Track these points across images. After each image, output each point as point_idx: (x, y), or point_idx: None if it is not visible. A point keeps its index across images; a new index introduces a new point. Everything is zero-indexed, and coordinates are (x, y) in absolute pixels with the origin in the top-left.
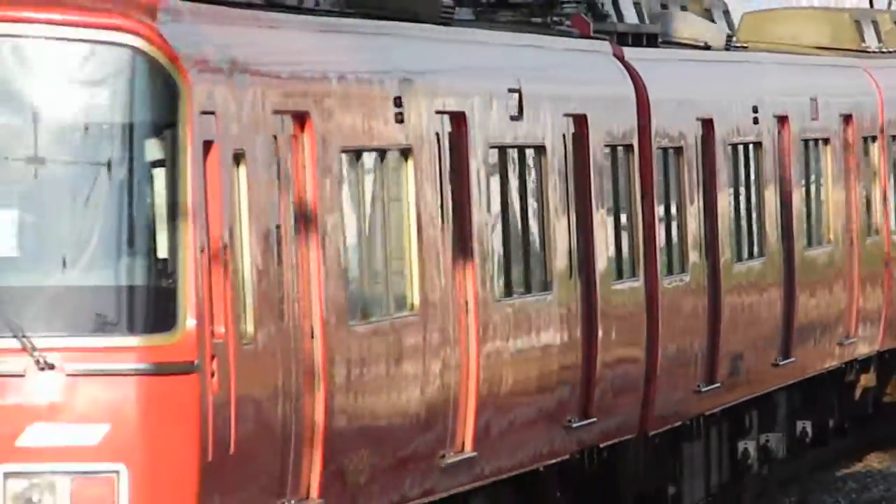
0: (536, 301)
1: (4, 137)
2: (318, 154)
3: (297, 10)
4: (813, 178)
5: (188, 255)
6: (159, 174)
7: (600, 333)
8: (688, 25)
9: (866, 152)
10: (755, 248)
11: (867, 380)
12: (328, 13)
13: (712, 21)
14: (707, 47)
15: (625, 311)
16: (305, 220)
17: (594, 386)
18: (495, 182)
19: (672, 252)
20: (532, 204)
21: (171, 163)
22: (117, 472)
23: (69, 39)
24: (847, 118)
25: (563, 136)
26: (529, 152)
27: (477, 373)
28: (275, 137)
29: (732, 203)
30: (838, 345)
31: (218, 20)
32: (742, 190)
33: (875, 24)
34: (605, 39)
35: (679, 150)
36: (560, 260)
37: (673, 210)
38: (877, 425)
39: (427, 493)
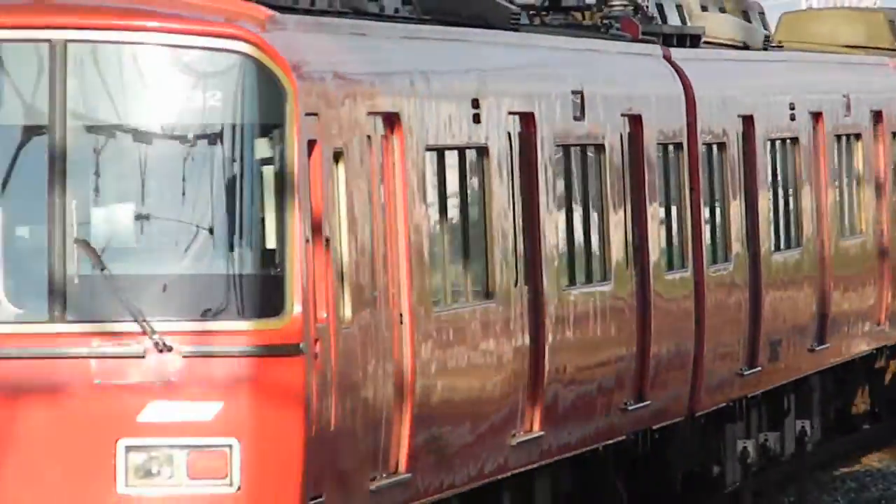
0: (597, 290)
1: (126, 137)
2: (407, 152)
3: (378, 17)
4: (845, 171)
5: (295, 246)
6: (268, 171)
7: (654, 321)
8: (727, 27)
9: None
10: (792, 239)
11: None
12: (406, 20)
13: (749, 22)
14: (746, 47)
15: (676, 301)
16: (395, 213)
17: (648, 370)
18: (560, 178)
19: (716, 243)
20: (592, 199)
21: (279, 160)
22: (230, 445)
23: (187, 47)
24: (877, 114)
25: (621, 135)
26: (590, 150)
27: (546, 357)
28: (368, 137)
29: (771, 196)
30: (869, 332)
31: (317, 29)
32: (780, 183)
33: None
34: (655, 42)
35: (722, 146)
36: (617, 252)
37: (717, 203)
38: (877, 425)
39: (499, 469)
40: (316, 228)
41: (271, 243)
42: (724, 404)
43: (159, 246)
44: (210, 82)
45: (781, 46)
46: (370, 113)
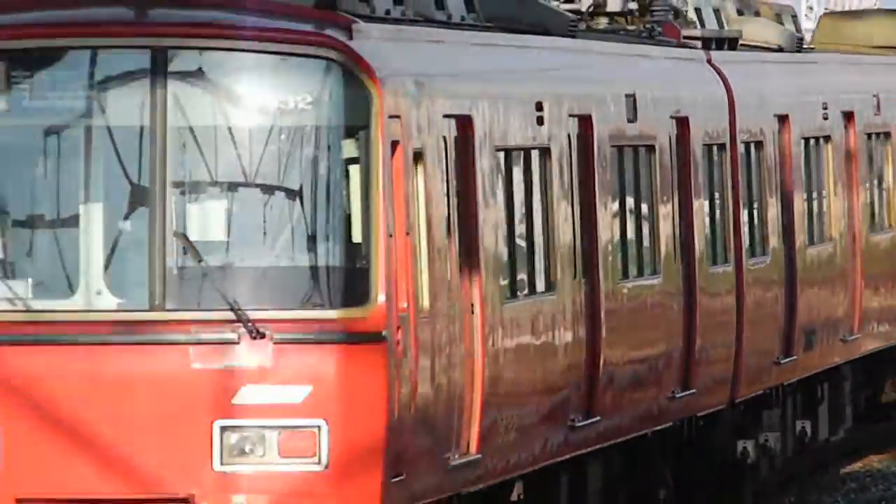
0: (647, 284)
1: (222, 137)
2: (478, 153)
3: (446, 24)
4: (875, 168)
5: (379, 240)
6: (355, 170)
7: (699, 313)
8: (762, 30)
9: None
10: (826, 234)
11: None
12: (472, 27)
13: (782, 25)
14: (780, 49)
15: (718, 293)
16: (468, 210)
17: (694, 360)
18: (614, 177)
19: (754, 238)
20: (643, 197)
21: (364, 160)
22: (318, 426)
23: (280, 54)
24: None
25: (669, 136)
26: (641, 150)
27: (602, 347)
28: (444, 138)
29: (805, 192)
30: None
31: (397, 37)
32: (814, 180)
33: None
34: (698, 47)
35: (760, 145)
36: (665, 246)
37: (755, 200)
38: (877, 425)
39: (559, 452)
40: (398, 224)
41: (357, 237)
42: (761, 391)
43: (253, 239)
44: (302, 87)
45: (813, 48)
46: (445, 115)
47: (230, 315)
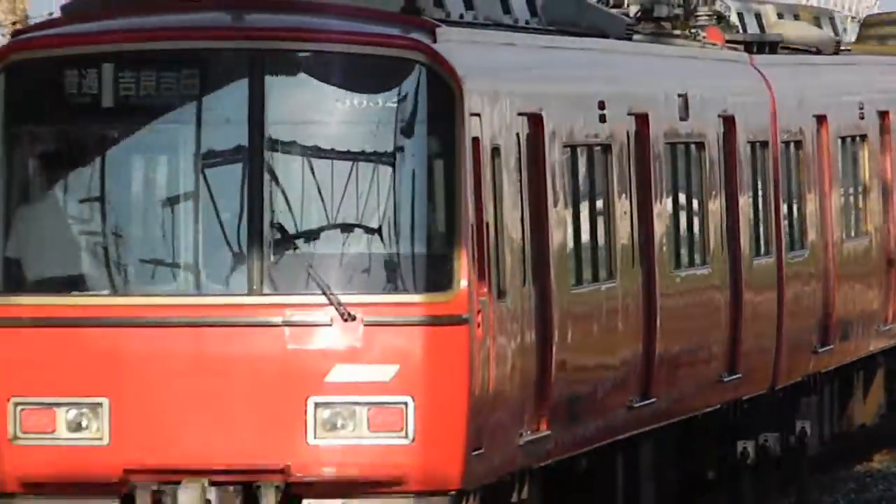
0: (698, 274)
1: (316, 133)
2: (548, 149)
3: (512, 28)
4: None
5: (463, 230)
6: (439, 164)
7: (744, 302)
8: (801, 33)
9: None
10: (861, 228)
11: None
12: (536, 31)
13: (820, 28)
14: (818, 52)
15: (762, 284)
16: (539, 202)
17: (740, 346)
18: (667, 172)
19: (794, 232)
20: (694, 191)
21: (448, 155)
22: (405, 403)
23: (370, 56)
24: None
25: (717, 134)
26: (692, 147)
27: (658, 332)
28: (518, 135)
29: (842, 188)
30: None
31: (474, 40)
32: (850, 177)
33: None
34: (741, 49)
35: (798, 144)
36: (713, 238)
37: (794, 195)
38: (876, 425)
39: (619, 430)
40: (479, 215)
41: (441, 227)
42: (800, 378)
43: (344, 229)
44: (390, 86)
45: (850, 50)
46: (519, 114)
47: (323, 299)
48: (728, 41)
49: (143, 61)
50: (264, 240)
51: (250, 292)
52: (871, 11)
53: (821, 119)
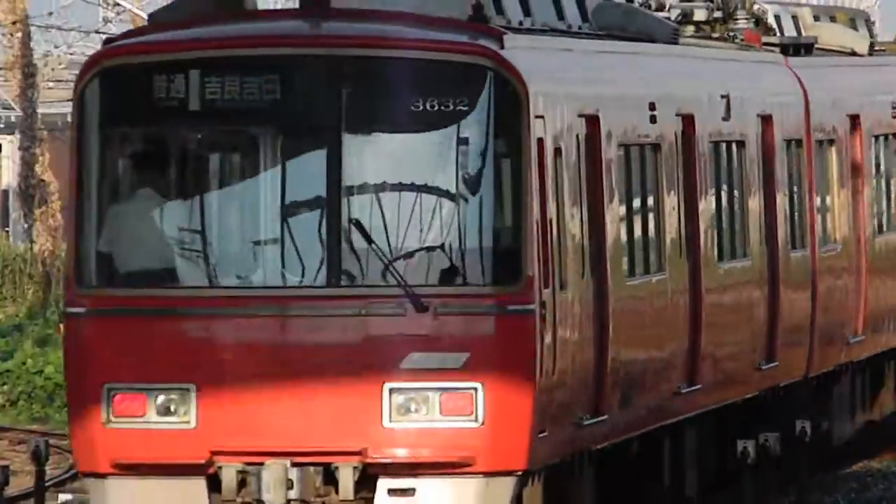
0: (739, 266)
1: (392, 135)
2: (605, 148)
3: (565, 33)
4: None
5: (529, 226)
6: (506, 164)
7: (782, 293)
8: (837, 35)
9: None
10: (892, 223)
11: None
12: (588, 35)
13: (856, 30)
14: (853, 53)
15: (797, 275)
16: (596, 199)
17: (777, 334)
18: (711, 170)
19: (826, 227)
20: (735, 187)
21: (515, 155)
22: (475, 388)
23: (443, 62)
24: None
25: (756, 133)
26: (734, 146)
27: (703, 321)
28: (577, 136)
29: (875, 185)
30: None
31: (537, 46)
32: (883, 173)
33: None
34: (777, 51)
35: (832, 142)
36: (753, 233)
37: (828, 191)
38: (876, 425)
39: (667, 415)
40: (543, 211)
41: (509, 223)
42: (832, 367)
43: (416, 224)
44: (461, 90)
45: (884, 51)
46: (579, 115)
47: (398, 291)
48: (765, 43)
49: (228, 67)
50: (342, 235)
51: (329, 285)
52: (872, 11)
53: (854, 118)
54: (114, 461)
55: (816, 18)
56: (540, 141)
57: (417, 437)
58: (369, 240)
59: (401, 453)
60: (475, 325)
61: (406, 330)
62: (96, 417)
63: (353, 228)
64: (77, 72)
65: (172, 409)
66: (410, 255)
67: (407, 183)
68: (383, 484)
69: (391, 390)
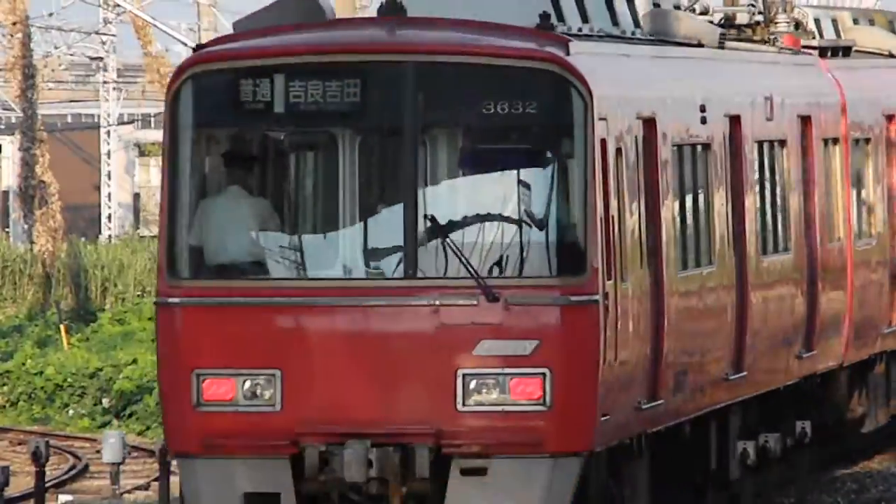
0: (780, 259)
1: (464, 135)
2: (661, 149)
3: (620, 38)
4: None
5: (594, 221)
6: (572, 163)
7: (820, 284)
8: (875, 38)
9: None
10: None
11: None
12: (640, 41)
13: (894, 33)
14: (891, 55)
15: (834, 267)
16: (653, 196)
17: (816, 324)
18: (756, 169)
19: (861, 221)
20: (778, 185)
21: (580, 155)
22: (544, 373)
23: (513, 67)
24: None
25: (797, 133)
26: (776, 145)
27: (749, 312)
28: (636, 137)
29: None
30: None
31: (597, 51)
32: None
33: None
34: (815, 55)
35: (867, 141)
36: (794, 226)
37: (863, 187)
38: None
39: (716, 401)
40: (606, 208)
41: (574, 219)
42: (867, 357)
43: (489, 219)
44: (530, 94)
45: None
46: (637, 117)
47: (471, 282)
48: (804, 46)
49: (311, 72)
50: (419, 230)
51: (407, 276)
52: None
53: (889, 118)
54: (203, 442)
55: (855, 21)
56: (603, 141)
57: (489, 419)
58: (444, 234)
59: (473, 435)
60: (543, 314)
61: (478, 319)
62: (187, 401)
63: (429, 224)
64: (77, 72)
65: (259, 392)
66: (483, 248)
67: (479, 182)
68: (456, 464)
69: (464, 376)
